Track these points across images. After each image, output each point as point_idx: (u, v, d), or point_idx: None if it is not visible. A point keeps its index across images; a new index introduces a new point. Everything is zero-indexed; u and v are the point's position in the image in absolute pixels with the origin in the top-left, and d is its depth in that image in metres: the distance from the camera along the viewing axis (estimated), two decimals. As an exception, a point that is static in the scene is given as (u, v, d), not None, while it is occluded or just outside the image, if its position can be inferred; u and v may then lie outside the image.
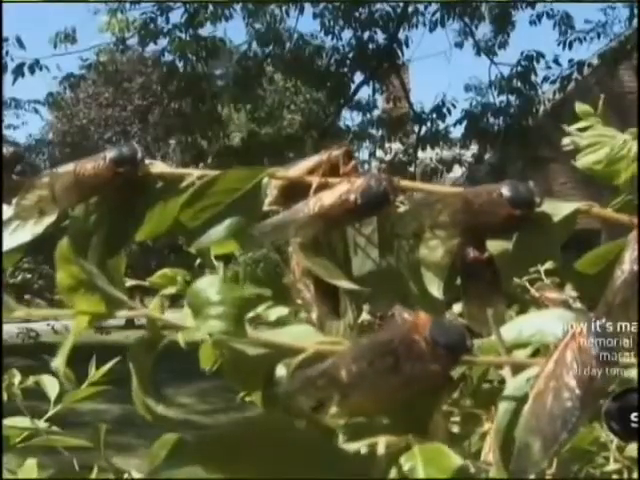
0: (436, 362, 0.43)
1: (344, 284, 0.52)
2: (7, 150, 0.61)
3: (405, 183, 0.54)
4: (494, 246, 0.52)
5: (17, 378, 1.05)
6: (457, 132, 8.37)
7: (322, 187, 0.56)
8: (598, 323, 0.43)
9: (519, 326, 0.46)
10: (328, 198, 0.53)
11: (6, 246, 0.59)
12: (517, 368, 0.44)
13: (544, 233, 0.52)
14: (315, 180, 0.56)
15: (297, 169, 0.58)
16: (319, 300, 0.54)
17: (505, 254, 0.52)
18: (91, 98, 15.39)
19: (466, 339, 0.43)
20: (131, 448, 4.09)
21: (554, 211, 0.52)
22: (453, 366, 0.44)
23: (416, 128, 8.44)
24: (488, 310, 0.47)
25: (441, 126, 8.25)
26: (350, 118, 10.80)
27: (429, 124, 8.21)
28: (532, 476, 0.39)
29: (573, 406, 0.41)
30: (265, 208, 0.56)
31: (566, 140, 0.58)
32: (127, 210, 0.57)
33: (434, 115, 8.21)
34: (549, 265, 0.90)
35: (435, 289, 0.51)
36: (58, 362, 0.47)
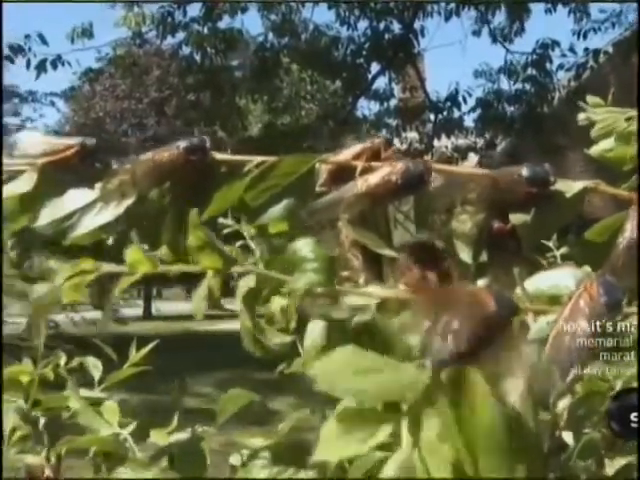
0: (502, 326, 0.51)
1: (387, 253, 0.62)
2: (90, 141, 0.71)
3: (438, 165, 0.63)
4: (515, 219, 0.62)
5: (63, 359, 1.12)
6: (473, 120, 8.42)
7: (366, 171, 0.65)
8: (605, 277, 0.52)
9: (538, 281, 0.56)
10: (373, 179, 0.63)
11: (91, 225, 0.68)
12: (538, 315, 0.53)
13: (558, 207, 0.61)
14: (360, 164, 0.65)
15: (344, 155, 0.68)
16: (366, 267, 0.63)
17: (525, 225, 0.61)
18: (107, 91, 15.49)
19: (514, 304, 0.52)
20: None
21: (566, 189, 0.62)
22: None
23: (432, 117, 8.50)
24: (514, 268, 0.56)
25: (456, 114, 8.31)
26: (367, 108, 10.86)
27: (445, 113, 8.27)
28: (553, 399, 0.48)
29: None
30: (317, 189, 0.66)
31: (581, 116, 0.67)
32: (197, 192, 0.66)
33: (449, 103, 8.27)
34: (564, 250, 0.99)
35: (465, 255, 0.61)
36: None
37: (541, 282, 0.56)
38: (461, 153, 8.46)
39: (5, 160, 0.74)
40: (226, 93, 8.44)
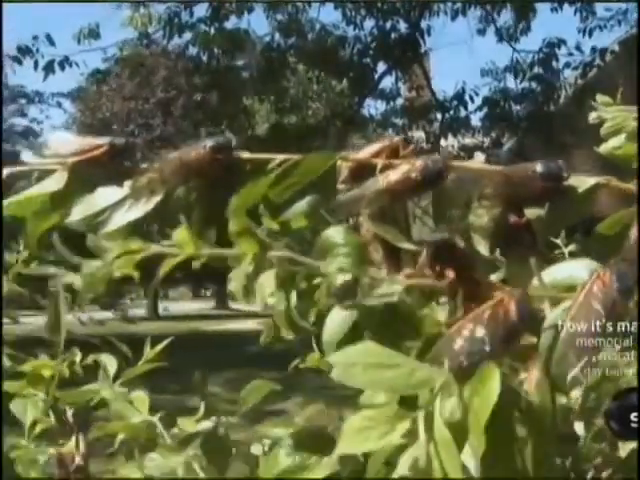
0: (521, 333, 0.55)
1: (406, 246, 0.65)
2: (119, 141, 0.74)
3: (456, 162, 0.66)
4: (530, 213, 0.65)
5: (78, 357, 1.15)
6: (480, 119, 8.44)
7: (386, 168, 0.68)
8: (618, 265, 0.55)
9: (554, 272, 0.59)
10: (393, 176, 0.65)
11: (121, 221, 0.71)
12: (554, 303, 0.56)
13: (571, 202, 0.64)
14: (380, 162, 0.68)
15: (364, 153, 0.70)
16: (386, 260, 0.65)
17: (539, 219, 0.64)
18: (114, 91, 15.53)
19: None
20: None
21: (579, 184, 0.64)
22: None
23: (439, 116, 8.52)
24: (530, 259, 0.58)
25: (462, 114, 8.34)
26: (373, 107, 10.88)
27: (452, 112, 8.30)
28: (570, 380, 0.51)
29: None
30: (338, 186, 0.69)
31: (593, 114, 0.70)
32: (223, 189, 0.69)
33: (456, 103, 8.29)
34: (572, 248, 1.02)
35: (482, 248, 0.64)
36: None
37: (557, 273, 0.59)
38: (468, 152, 8.48)
39: (36, 160, 0.77)
40: (233, 93, 8.47)
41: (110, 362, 1.16)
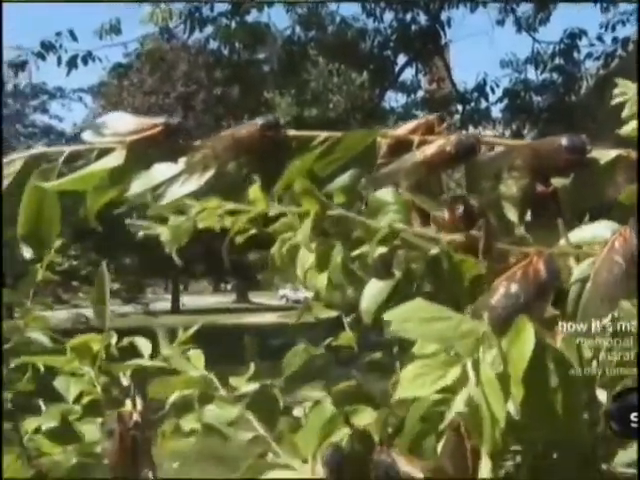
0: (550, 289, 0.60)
1: (439, 214, 0.71)
2: (173, 120, 0.80)
3: (487, 138, 0.72)
4: (556, 183, 0.70)
5: (114, 339, 1.20)
6: (500, 111, 8.44)
7: (422, 143, 0.73)
8: (637, 223, 0.60)
9: (579, 233, 0.65)
10: (429, 150, 0.71)
11: (177, 195, 0.77)
12: (580, 260, 0.62)
13: (593, 173, 0.70)
14: (417, 138, 0.74)
15: (401, 130, 0.76)
16: (422, 225, 0.72)
17: (564, 189, 0.70)
18: (135, 86, 15.63)
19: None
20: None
21: (601, 156, 0.70)
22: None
23: (459, 108, 8.53)
24: (558, 222, 0.64)
25: (483, 105, 8.34)
26: (394, 99, 10.90)
27: (473, 104, 8.30)
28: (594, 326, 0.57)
29: (621, 274, 0.59)
30: (378, 161, 0.75)
31: (616, 91, 0.76)
32: (272, 163, 0.75)
33: (476, 94, 8.30)
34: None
35: (512, 215, 0.70)
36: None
37: (582, 234, 0.65)
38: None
39: (95, 138, 0.83)
40: (254, 87, 8.52)
41: (145, 344, 1.22)
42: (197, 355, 0.80)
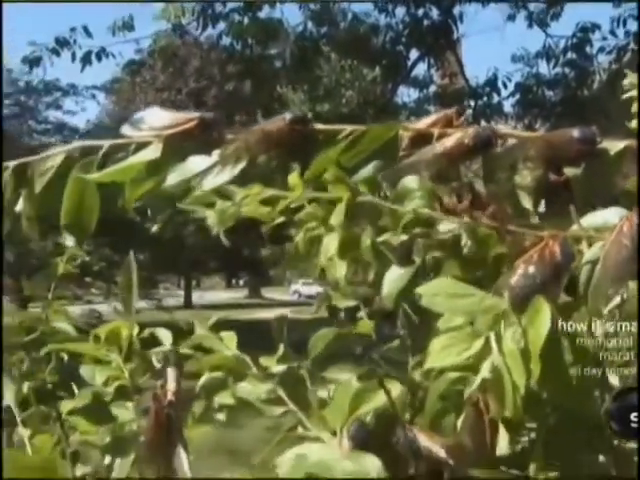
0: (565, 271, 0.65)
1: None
2: (208, 115, 0.85)
3: (504, 130, 0.77)
4: (568, 172, 0.75)
5: (136, 329, 1.24)
6: (511, 105, 8.45)
7: (442, 136, 0.78)
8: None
9: (590, 218, 0.70)
10: (448, 142, 0.77)
11: (211, 185, 0.82)
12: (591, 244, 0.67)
13: (603, 163, 0.75)
14: (437, 131, 0.79)
15: (422, 123, 0.81)
16: (443, 212, 0.77)
17: (576, 178, 0.75)
18: (147, 82, 15.68)
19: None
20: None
21: (611, 147, 0.75)
22: None
23: (472, 103, 8.54)
24: (571, 207, 0.69)
25: (495, 100, 8.35)
26: (406, 94, 10.92)
27: (485, 99, 8.31)
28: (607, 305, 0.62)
29: (628, 256, 0.64)
30: (400, 153, 0.80)
31: (625, 81, 0.81)
32: (300, 155, 0.80)
33: (488, 89, 8.31)
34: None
35: (526, 203, 0.75)
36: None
37: (593, 219, 0.70)
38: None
39: (133, 133, 0.88)
40: (266, 82, 8.56)
41: (166, 335, 1.26)
42: (230, 336, 0.85)
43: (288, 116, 0.80)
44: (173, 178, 0.83)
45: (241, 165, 0.81)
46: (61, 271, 1.37)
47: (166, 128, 0.86)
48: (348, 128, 0.80)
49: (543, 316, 0.60)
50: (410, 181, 0.73)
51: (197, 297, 23.36)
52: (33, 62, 8.26)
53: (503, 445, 0.70)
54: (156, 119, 0.87)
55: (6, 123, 16.62)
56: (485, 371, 0.60)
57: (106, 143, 0.87)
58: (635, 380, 0.63)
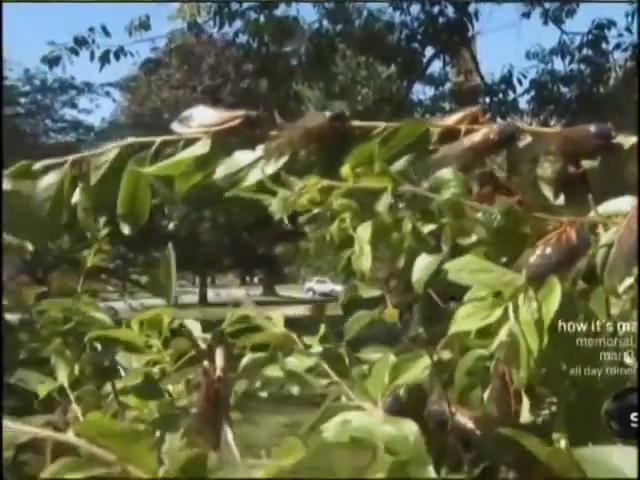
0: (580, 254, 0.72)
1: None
2: (253, 113, 0.92)
3: (526, 127, 0.84)
4: (585, 165, 0.83)
5: (167, 320, 1.28)
6: (527, 102, 8.47)
7: (469, 132, 0.86)
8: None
9: (606, 206, 0.77)
10: (475, 137, 0.84)
11: (257, 177, 0.89)
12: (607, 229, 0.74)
13: (618, 156, 0.82)
14: (464, 127, 0.86)
15: (450, 120, 0.89)
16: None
17: (593, 170, 0.82)
18: (162, 80, 15.77)
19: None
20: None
21: (624, 142, 0.82)
22: None
23: (487, 100, 8.56)
24: (588, 196, 0.76)
25: (510, 97, 8.37)
26: (422, 92, 10.95)
27: (501, 95, 8.33)
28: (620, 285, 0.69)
29: (638, 240, 0.70)
30: (430, 147, 0.87)
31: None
32: (339, 150, 0.88)
33: (503, 86, 8.33)
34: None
35: (547, 193, 0.82)
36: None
37: (608, 207, 0.77)
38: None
39: (182, 129, 0.96)
40: (282, 80, 8.61)
41: (195, 325, 1.31)
42: (278, 316, 0.92)
43: (328, 113, 0.88)
44: (221, 171, 0.90)
45: (284, 159, 0.89)
46: (89, 265, 1.42)
47: (213, 125, 0.93)
48: (382, 124, 0.87)
49: (555, 294, 0.67)
50: (445, 172, 0.80)
51: (213, 295, 23.45)
52: (52, 61, 8.34)
53: (526, 414, 0.77)
54: (204, 117, 0.94)
55: (23, 122, 16.73)
56: (503, 335, 0.67)
57: (158, 139, 0.94)
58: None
